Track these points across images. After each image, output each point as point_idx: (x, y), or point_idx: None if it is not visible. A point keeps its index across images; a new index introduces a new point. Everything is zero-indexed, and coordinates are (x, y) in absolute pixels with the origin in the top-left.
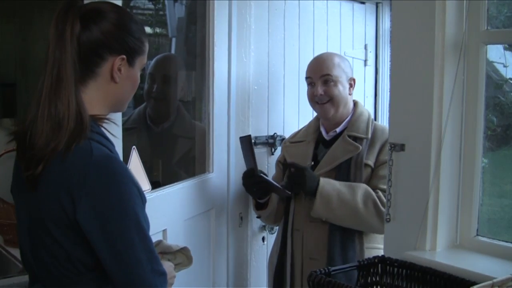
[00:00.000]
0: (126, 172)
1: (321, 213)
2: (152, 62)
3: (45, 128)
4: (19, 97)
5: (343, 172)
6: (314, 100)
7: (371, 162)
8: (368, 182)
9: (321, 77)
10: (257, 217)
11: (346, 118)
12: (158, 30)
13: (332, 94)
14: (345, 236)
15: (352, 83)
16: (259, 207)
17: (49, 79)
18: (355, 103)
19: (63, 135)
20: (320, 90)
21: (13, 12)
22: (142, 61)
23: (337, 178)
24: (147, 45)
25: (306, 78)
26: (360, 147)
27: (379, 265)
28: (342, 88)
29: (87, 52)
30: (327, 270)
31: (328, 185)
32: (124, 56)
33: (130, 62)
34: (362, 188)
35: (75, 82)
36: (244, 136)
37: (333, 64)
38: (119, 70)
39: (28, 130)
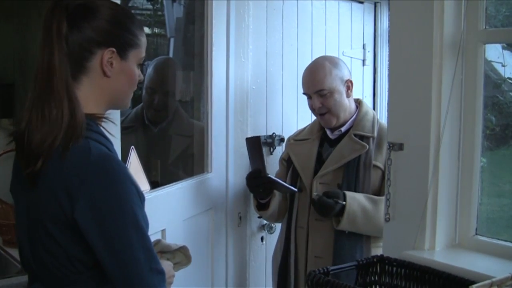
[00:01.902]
0: (124, 171)
1: (346, 228)
2: (151, 70)
3: (39, 126)
4: (17, 98)
5: (351, 172)
6: (315, 112)
7: (380, 163)
8: (381, 186)
9: (315, 92)
10: (259, 217)
11: (350, 118)
12: (156, 30)
13: (329, 106)
14: (352, 235)
15: (349, 85)
16: (260, 207)
17: (39, 78)
18: (360, 102)
19: (58, 132)
20: (317, 103)
21: (11, 12)
22: (137, 55)
23: (345, 177)
24: (141, 38)
25: (303, 93)
26: (367, 146)
27: (378, 264)
28: (339, 96)
29: (76, 48)
30: (326, 270)
31: (354, 202)
32: (114, 49)
33: (122, 55)
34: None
35: (66, 79)
36: (252, 137)
37: (324, 75)
38: (111, 64)
39: (25, 129)
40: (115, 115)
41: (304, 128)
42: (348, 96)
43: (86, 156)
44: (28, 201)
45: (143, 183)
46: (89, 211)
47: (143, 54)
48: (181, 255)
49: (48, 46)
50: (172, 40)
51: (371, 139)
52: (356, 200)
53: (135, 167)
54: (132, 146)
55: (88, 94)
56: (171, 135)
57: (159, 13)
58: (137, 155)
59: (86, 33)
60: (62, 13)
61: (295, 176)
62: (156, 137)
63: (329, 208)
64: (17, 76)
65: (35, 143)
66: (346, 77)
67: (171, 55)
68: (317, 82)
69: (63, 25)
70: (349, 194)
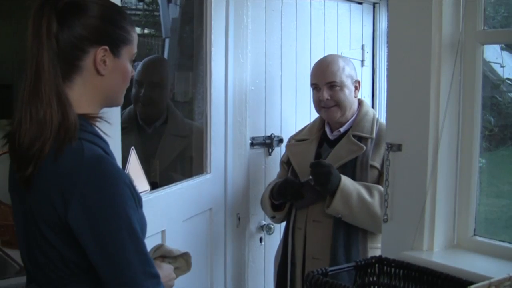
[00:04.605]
0: (118, 173)
1: (339, 209)
2: (139, 66)
3: (28, 128)
4: (16, 98)
5: (348, 172)
6: (320, 105)
7: (377, 163)
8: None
9: (326, 83)
10: (272, 218)
11: (351, 118)
12: (151, 31)
13: (338, 99)
14: (349, 236)
15: (357, 85)
16: (275, 208)
17: (29, 78)
18: (361, 102)
19: (48, 135)
20: (326, 94)
21: (10, 13)
22: (130, 51)
23: None
24: (133, 34)
25: (311, 84)
26: (364, 148)
27: (377, 265)
28: (348, 92)
29: (67, 46)
30: (324, 270)
31: (349, 182)
32: (106, 47)
33: (115, 52)
34: (378, 189)
35: (56, 79)
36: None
37: (337, 69)
38: (104, 62)
39: (17, 131)
40: (115, 115)
41: (304, 128)
42: (355, 96)
43: (79, 157)
44: (24, 202)
45: (143, 184)
46: (82, 213)
47: (135, 50)
48: (182, 261)
49: (37, 45)
50: (167, 41)
51: (369, 140)
52: (351, 181)
53: (135, 168)
54: (132, 147)
55: (81, 94)
56: (166, 135)
57: (154, 13)
58: (137, 156)
59: (77, 31)
60: (51, 11)
61: (294, 177)
62: (151, 138)
63: (324, 167)
64: (16, 77)
65: (25, 147)
66: (355, 77)
67: (166, 55)
68: (330, 73)
69: (53, 23)
70: (343, 175)
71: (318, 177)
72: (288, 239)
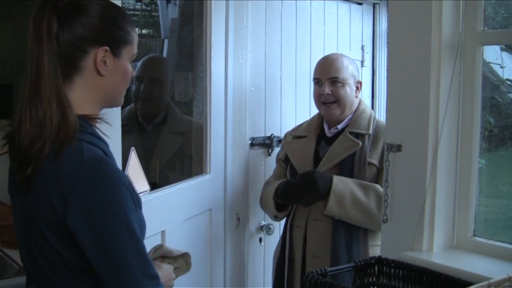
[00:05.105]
0: (117, 175)
1: (335, 211)
2: (139, 63)
3: (28, 129)
4: (15, 98)
5: (346, 169)
6: (320, 100)
7: (375, 161)
8: (376, 183)
9: (328, 78)
10: (274, 217)
11: (349, 116)
12: (150, 31)
13: (339, 95)
14: (349, 235)
15: (358, 85)
16: (279, 208)
17: (29, 78)
18: (359, 101)
19: (47, 136)
20: (327, 89)
21: (10, 13)
22: (130, 51)
23: (340, 175)
24: (133, 34)
25: (314, 78)
26: (360, 144)
27: (376, 265)
28: (350, 90)
29: (68, 46)
30: (323, 271)
31: (341, 183)
32: (107, 48)
33: (115, 53)
34: (374, 188)
35: (56, 79)
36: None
37: (341, 66)
38: (104, 62)
39: (16, 131)
40: (116, 116)
41: (301, 124)
42: (356, 96)
43: (79, 159)
44: (23, 203)
45: (143, 184)
46: (81, 215)
47: (136, 50)
48: (182, 261)
49: (37, 45)
50: (166, 41)
51: (366, 136)
52: (344, 182)
53: (135, 168)
54: (133, 148)
55: (81, 94)
56: (166, 132)
57: (153, 14)
58: (137, 156)
59: (78, 31)
60: (52, 11)
61: (293, 175)
62: (151, 136)
63: (305, 177)
64: (16, 77)
65: (25, 147)
66: (358, 78)
67: (165, 56)
68: (334, 69)
69: (54, 23)
70: (336, 176)
71: (305, 188)
72: (286, 237)
